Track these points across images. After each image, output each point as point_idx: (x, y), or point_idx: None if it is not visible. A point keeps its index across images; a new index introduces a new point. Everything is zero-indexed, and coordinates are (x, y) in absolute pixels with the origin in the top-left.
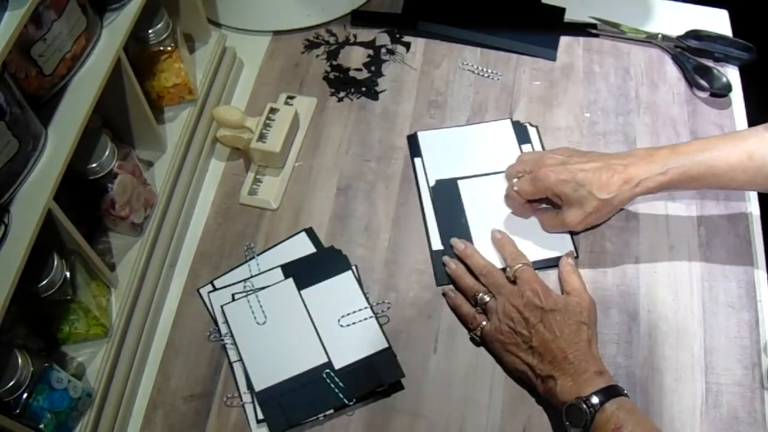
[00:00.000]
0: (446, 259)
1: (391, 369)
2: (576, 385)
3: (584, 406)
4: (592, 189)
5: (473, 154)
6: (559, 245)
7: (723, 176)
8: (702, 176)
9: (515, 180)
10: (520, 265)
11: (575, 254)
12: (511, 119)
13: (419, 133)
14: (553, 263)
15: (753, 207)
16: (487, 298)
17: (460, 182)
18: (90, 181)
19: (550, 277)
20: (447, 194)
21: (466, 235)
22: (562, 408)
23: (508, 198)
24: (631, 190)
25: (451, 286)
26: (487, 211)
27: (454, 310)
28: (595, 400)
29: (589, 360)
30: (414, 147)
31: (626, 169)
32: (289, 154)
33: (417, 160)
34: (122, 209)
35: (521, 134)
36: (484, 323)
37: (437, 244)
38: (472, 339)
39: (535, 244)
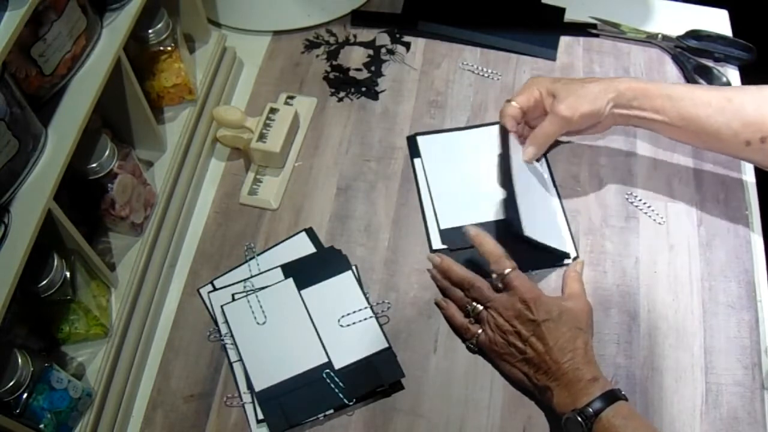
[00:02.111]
0: (433, 272)
1: (391, 369)
2: (571, 396)
3: (580, 418)
4: (580, 82)
5: (473, 155)
6: (558, 238)
7: (701, 108)
8: (681, 97)
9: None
10: (508, 270)
11: (577, 256)
12: None
13: (418, 138)
14: (552, 263)
15: (753, 207)
16: (479, 308)
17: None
18: (90, 181)
19: (551, 277)
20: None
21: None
22: (561, 420)
23: (502, 117)
24: (612, 83)
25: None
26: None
27: (448, 320)
28: (590, 410)
29: (583, 368)
30: (413, 148)
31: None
32: (289, 154)
33: (417, 161)
34: (122, 209)
35: None
36: (479, 332)
37: (437, 244)
38: (468, 348)
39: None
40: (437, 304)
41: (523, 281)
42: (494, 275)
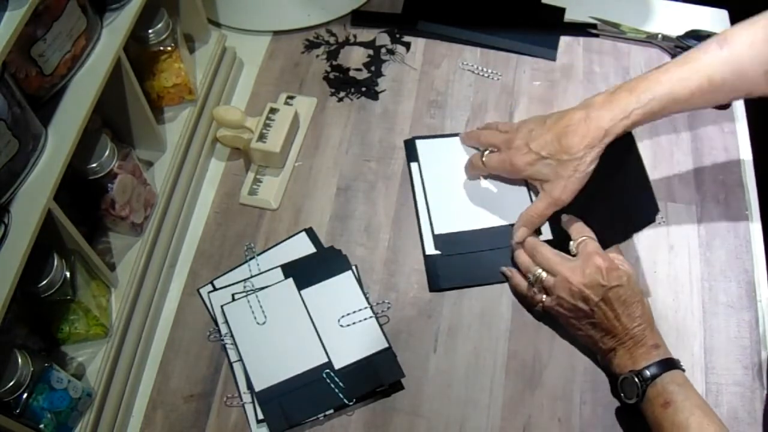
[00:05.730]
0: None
1: (391, 369)
2: (632, 359)
3: (637, 379)
4: (561, 157)
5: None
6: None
7: (684, 103)
8: (664, 108)
9: (486, 152)
10: (583, 238)
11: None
12: None
13: (417, 142)
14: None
15: (753, 207)
16: (543, 275)
17: None
18: (90, 181)
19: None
20: None
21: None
22: (617, 379)
23: (472, 165)
24: (600, 142)
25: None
26: None
27: (513, 289)
28: (647, 373)
29: (648, 333)
30: (411, 152)
31: (588, 125)
32: (289, 154)
33: (413, 165)
34: (122, 209)
35: None
36: (544, 298)
37: (430, 249)
38: (534, 313)
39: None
40: (502, 273)
41: (596, 247)
42: (572, 242)
